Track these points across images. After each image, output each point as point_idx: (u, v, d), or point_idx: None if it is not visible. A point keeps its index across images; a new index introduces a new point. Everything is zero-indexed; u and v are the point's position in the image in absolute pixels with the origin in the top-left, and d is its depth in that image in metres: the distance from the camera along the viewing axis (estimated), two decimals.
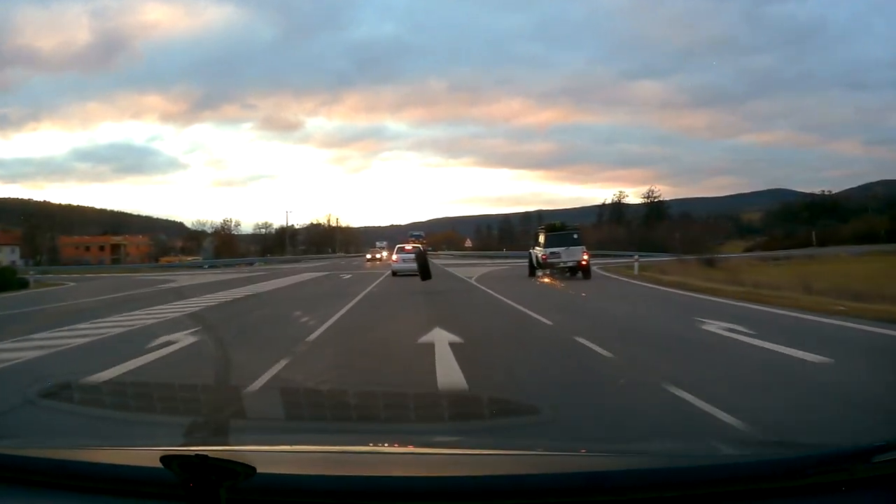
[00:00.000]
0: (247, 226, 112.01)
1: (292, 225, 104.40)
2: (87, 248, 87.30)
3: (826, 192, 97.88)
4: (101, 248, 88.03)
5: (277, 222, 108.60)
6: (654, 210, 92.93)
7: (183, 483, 1.29)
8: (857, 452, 1.48)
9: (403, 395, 5.00)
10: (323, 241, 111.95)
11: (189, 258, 78.26)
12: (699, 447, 2.17)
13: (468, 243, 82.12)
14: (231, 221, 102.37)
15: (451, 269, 34.47)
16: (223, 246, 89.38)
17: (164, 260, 77.48)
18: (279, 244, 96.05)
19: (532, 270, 25.62)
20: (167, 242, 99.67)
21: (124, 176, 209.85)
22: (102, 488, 1.54)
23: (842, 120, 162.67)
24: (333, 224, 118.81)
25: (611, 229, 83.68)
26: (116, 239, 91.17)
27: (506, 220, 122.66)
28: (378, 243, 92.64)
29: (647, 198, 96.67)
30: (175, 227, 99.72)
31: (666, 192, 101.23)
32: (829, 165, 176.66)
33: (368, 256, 57.53)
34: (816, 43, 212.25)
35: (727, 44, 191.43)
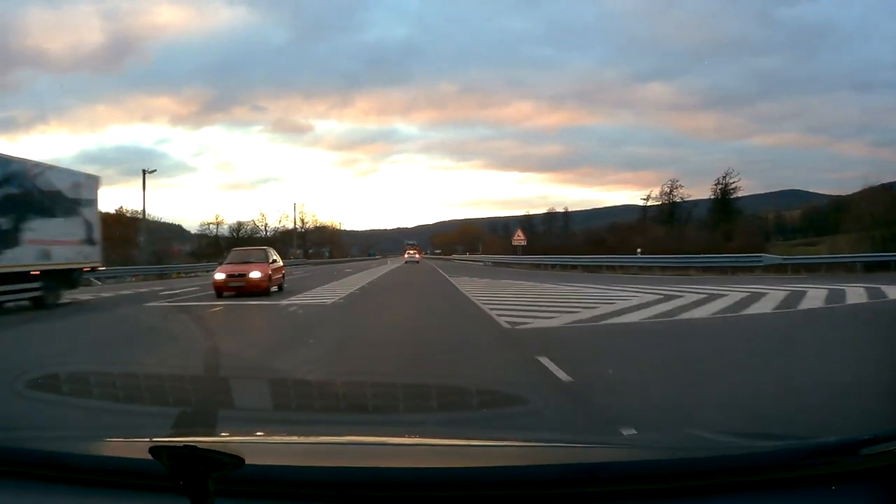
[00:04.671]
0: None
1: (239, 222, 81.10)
2: None
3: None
4: None
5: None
6: (725, 205, 67.37)
7: (171, 474, 1.28)
8: (845, 445, 1.49)
9: (392, 386, 5.01)
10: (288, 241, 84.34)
11: None
12: (688, 439, 2.18)
13: (520, 237, 44.47)
14: (124, 209, 65.94)
15: None
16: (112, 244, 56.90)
17: None
18: (230, 245, 71.77)
19: None
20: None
21: (131, 179, 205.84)
22: (91, 479, 1.53)
23: (850, 121, 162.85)
24: (305, 221, 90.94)
25: (675, 230, 61.05)
26: None
27: (527, 219, 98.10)
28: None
29: (720, 185, 68.80)
30: (174, 230, 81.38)
31: (651, 199, 76.02)
32: (837, 167, 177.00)
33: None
34: (825, 44, 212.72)
35: (736, 45, 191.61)
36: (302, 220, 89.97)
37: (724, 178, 68.86)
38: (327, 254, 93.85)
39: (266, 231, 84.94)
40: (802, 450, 1.54)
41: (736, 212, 68.22)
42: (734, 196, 69.27)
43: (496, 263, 50.25)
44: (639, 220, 71.09)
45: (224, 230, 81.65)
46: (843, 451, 1.46)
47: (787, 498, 1.40)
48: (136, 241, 56.79)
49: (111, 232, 50.74)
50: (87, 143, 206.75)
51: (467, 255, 78.54)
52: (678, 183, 74.13)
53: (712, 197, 70.18)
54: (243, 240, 74.84)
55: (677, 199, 72.01)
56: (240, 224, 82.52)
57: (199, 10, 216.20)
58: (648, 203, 74.66)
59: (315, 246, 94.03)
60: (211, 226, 79.99)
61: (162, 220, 76.85)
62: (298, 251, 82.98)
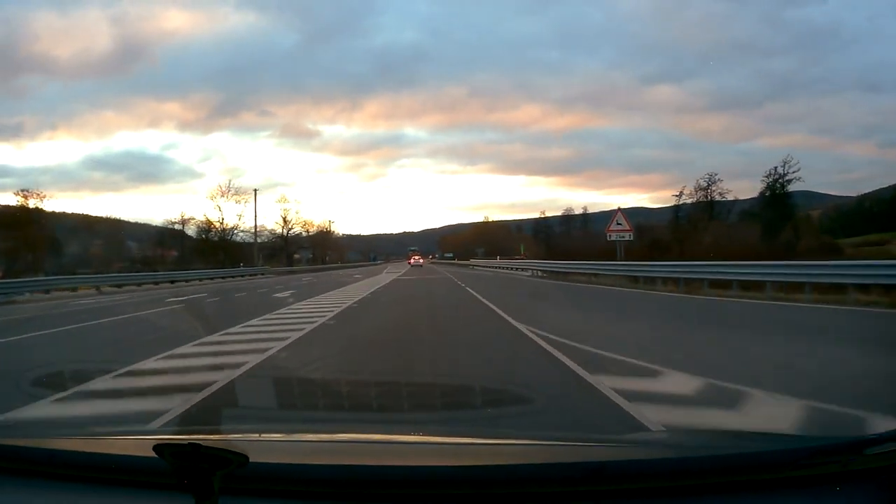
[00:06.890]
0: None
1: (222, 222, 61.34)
2: None
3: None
4: None
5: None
6: (783, 199, 54.54)
7: (176, 472, 1.28)
8: (850, 444, 1.48)
9: (396, 385, 5.00)
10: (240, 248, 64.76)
11: None
12: (693, 438, 2.18)
13: (624, 226, 25.95)
14: (34, 194, 46.36)
15: None
16: (19, 243, 42.06)
17: None
18: (200, 251, 59.32)
19: None
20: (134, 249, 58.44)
21: (139, 185, 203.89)
22: (96, 477, 1.53)
23: (857, 122, 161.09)
24: (288, 220, 73.36)
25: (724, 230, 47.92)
26: None
27: (543, 221, 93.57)
28: None
29: (773, 177, 54.73)
30: (173, 234, 64.60)
31: (684, 197, 59.42)
32: (844, 168, 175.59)
33: None
34: (833, 45, 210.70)
35: (744, 47, 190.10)
36: (284, 220, 74.69)
37: (783, 166, 54.67)
38: (307, 259, 79.73)
39: (225, 231, 65.24)
40: (807, 449, 1.53)
41: (792, 207, 56.67)
42: (791, 190, 56.19)
43: (552, 273, 31.20)
44: (671, 220, 59.34)
45: (192, 230, 65.27)
46: (848, 451, 1.45)
47: (792, 497, 1.40)
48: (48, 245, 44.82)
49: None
50: (94, 148, 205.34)
51: (498, 260, 57.64)
52: (717, 177, 60.85)
53: (763, 190, 56.88)
54: (213, 243, 61.16)
55: (717, 197, 58.99)
56: (209, 223, 63.75)
57: (207, 16, 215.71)
58: (681, 201, 61.01)
59: (301, 250, 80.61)
60: (175, 224, 63.26)
61: (131, 221, 64.60)
62: (293, 255, 72.97)
